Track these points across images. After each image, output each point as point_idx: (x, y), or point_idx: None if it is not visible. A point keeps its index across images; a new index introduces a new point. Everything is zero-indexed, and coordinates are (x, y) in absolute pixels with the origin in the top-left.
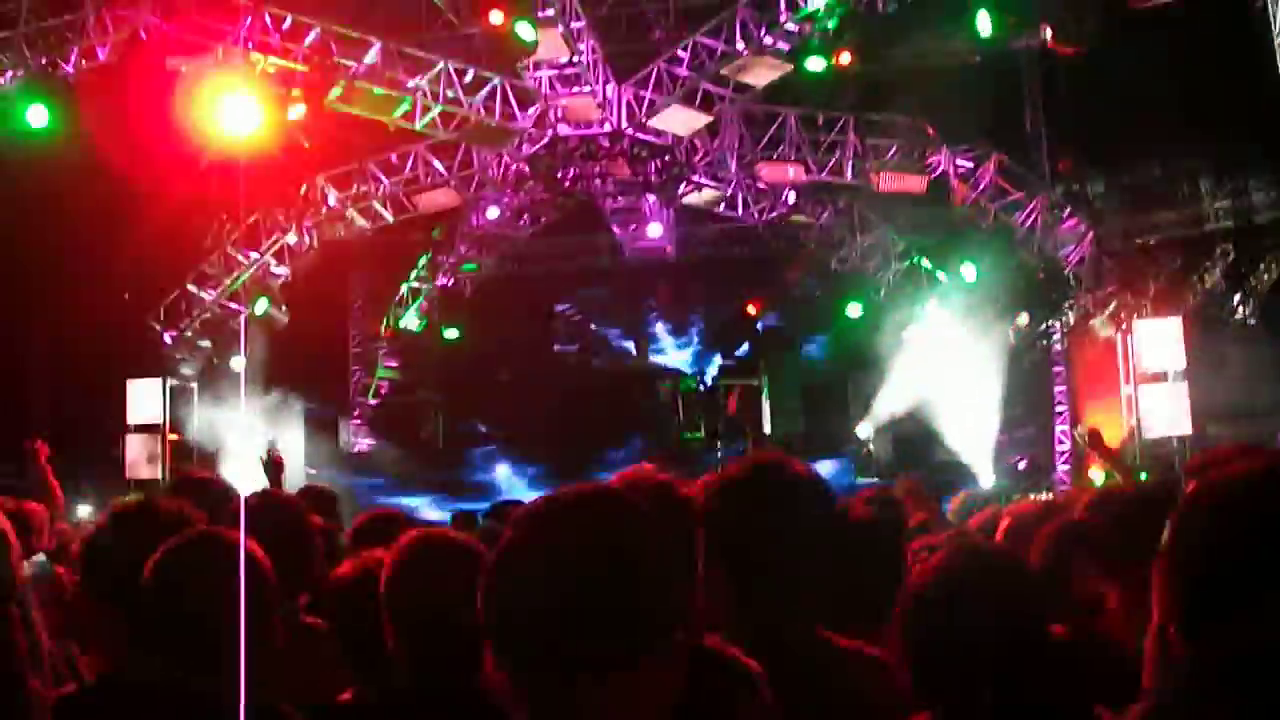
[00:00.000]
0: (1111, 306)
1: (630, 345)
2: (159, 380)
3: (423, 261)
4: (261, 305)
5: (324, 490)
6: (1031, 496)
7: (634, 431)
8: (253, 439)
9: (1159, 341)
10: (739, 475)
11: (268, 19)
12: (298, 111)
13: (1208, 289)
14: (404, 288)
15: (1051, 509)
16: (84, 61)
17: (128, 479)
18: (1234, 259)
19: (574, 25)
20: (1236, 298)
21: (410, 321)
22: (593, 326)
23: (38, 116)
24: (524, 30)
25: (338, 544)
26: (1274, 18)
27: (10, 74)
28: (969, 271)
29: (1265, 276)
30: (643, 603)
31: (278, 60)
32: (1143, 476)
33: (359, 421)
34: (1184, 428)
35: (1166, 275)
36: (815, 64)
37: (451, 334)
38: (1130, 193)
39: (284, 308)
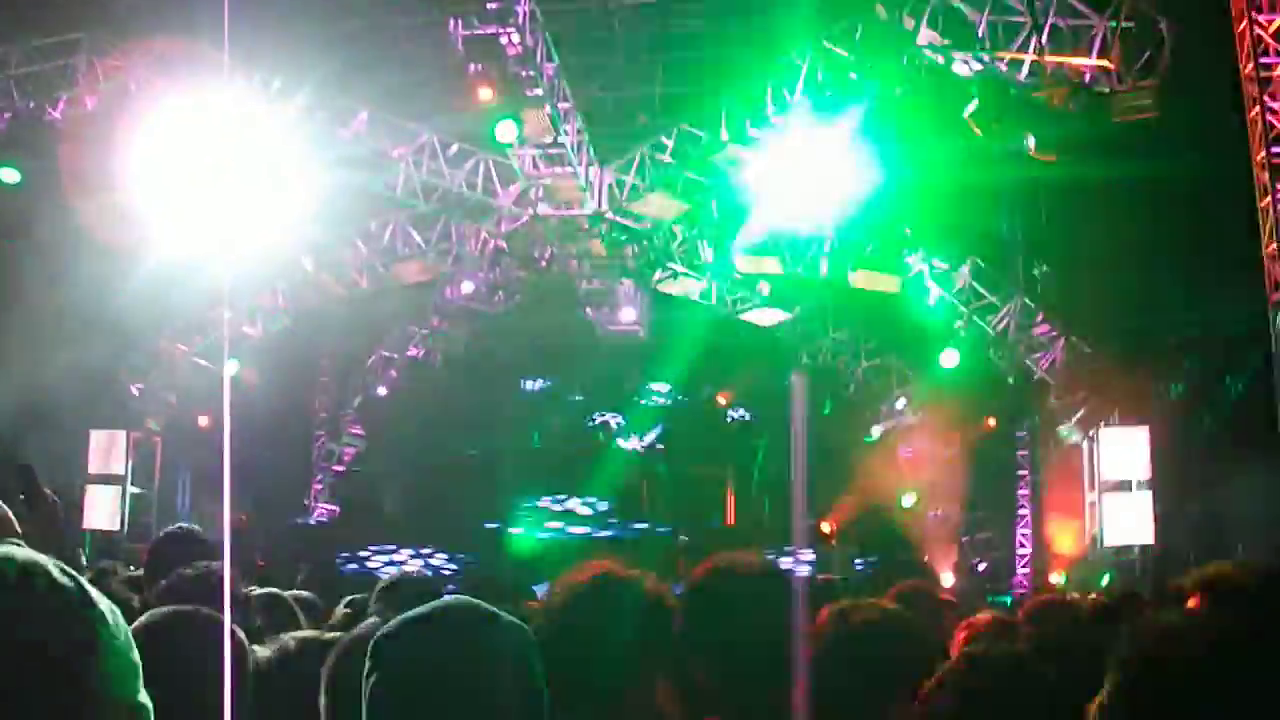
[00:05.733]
0: (1079, 413)
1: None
2: (122, 432)
3: (394, 331)
4: (231, 366)
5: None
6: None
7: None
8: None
9: (1125, 450)
10: None
11: (257, 79)
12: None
13: (1174, 399)
14: (373, 356)
15: (1003, 625)
16: (70, 110)
17: (85, 529)
18: (1201, 370)
19: (560, 106)
20: (1202, 409)
21: (378, 391)
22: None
23: (9, 176)
24: (503, 133)
25: None
26: (1252, 137)
27: None
28: (951, 358)
29: (1233, 389)
30: None
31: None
32: (1105, 579)
33: (319, 486)
34: (1146, 537)
35: (1135, 385)
36: None
37: (415, 405)
38: (1102, 301)
39: (252, 368)
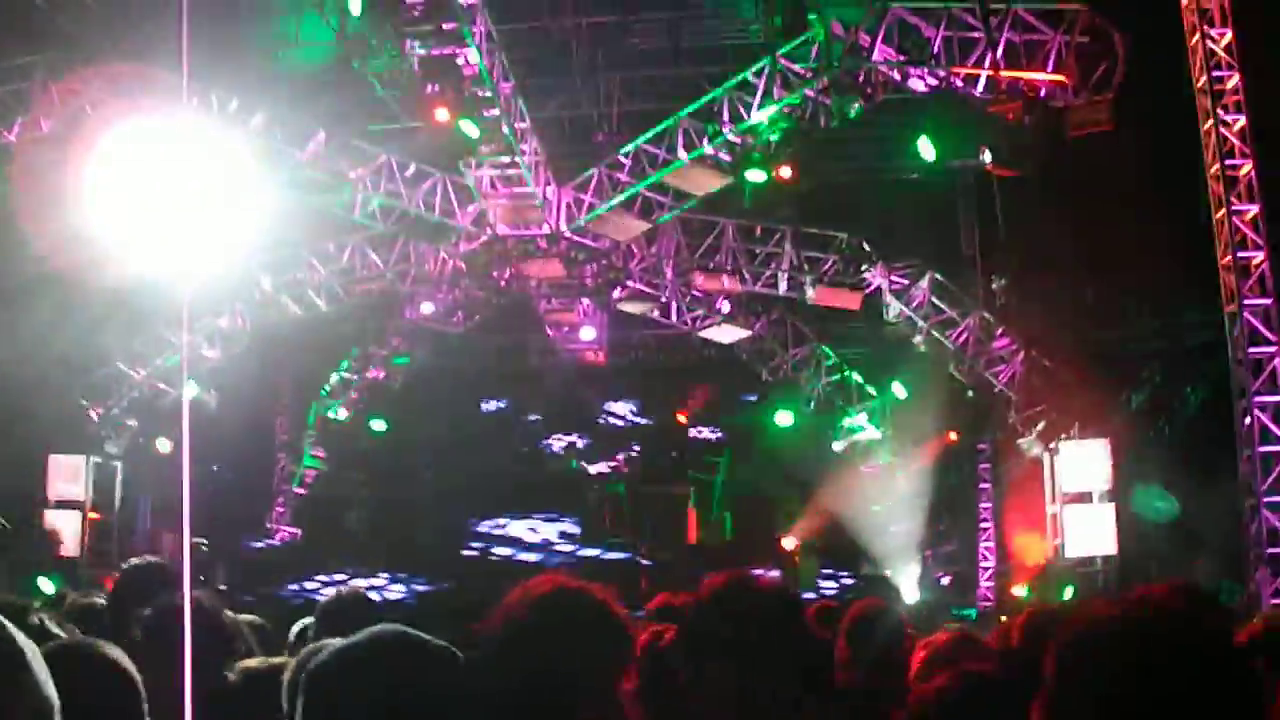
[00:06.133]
0: (1040, 426)
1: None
2: (83, 457)
3: (354, 352)
4: (191, 388)
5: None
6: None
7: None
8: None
9: (1086, 462)
10: None
11: (214, 101)
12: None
13: (1134, 411)
14: (334, 378)
15: (963, 643)
16: (26, 132)
17: (57, 555)
18: (1161, 382)
19: (518, 126)
20: (1163, 420)
21: (338, 412)
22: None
23: None
24: (468, 127)
25: None
26: (1206, 150)
27: None
28: (900, 390)
29: (1191, 399)
30: None
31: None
32: (1068, 591)
33: (282, 509)
34: (1108, 548)
35: (1095, 397)
36: (755, 176)
37: (379, 426)
38: (1061, 314)
39: (212, 391)
